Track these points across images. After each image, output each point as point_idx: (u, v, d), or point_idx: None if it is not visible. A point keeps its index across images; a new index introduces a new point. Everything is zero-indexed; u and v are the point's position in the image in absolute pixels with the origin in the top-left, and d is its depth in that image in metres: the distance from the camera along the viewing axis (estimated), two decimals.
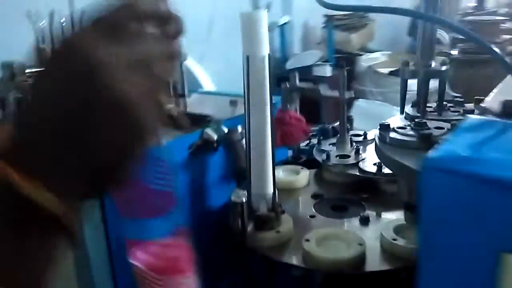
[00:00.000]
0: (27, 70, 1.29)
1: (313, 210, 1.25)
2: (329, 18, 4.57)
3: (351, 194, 1.33)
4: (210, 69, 3.07)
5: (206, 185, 1.36)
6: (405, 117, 1.09)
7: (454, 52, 4.79)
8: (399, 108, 3.86)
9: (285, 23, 4.80)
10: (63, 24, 1.76)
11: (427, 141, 0.88)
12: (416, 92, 1.05)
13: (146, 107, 0.40)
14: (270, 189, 1.08)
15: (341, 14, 4.60)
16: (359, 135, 1.67)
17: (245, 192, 1.11)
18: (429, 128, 0.93)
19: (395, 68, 4.52)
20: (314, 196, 1.33)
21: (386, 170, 1.31)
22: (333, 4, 0.86)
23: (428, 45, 0.94)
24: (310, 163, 1.60)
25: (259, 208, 1.07)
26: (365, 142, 1.63)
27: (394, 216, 1.18)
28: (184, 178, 1.28)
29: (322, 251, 0.94)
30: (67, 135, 0.38)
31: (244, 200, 0.99)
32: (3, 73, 1.27)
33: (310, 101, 1.51)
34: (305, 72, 4.38)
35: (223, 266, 1.25)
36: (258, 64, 0.99)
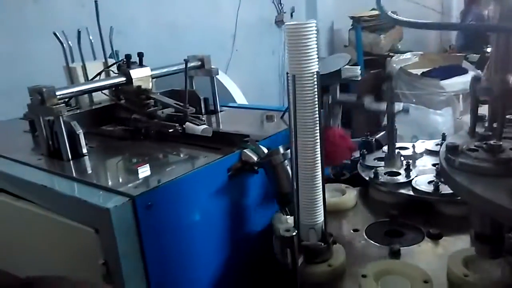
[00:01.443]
0: (57, 93, 1.24)
1: (365, 236, 1.14)
2: (356, 19, 4.44)
3: (404, 216, 1.21)
4: (237, 78, 3.00)
5: (246, 208, 1.28)
6: (469, 134, 0.97)
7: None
8: (435, 111, 3.66)
9: None
10: (92, 42, 1.71)
11: (506, 167, 0.77)
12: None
13: None
14: (321, 218, 0.99)
15: (368, 15, 4.46)
16: (407, 148, 1.55)
17: (291, 222, 1.02)
18: (504, 150, 0.81)
19: (427, 69, 4.37)
20: (365, 220, 1.22)
21: (443, 190, 1.19)
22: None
23: (505, 58, 0.81)
24: (354, 180, 1.48)
25: (308, 238, 0.97)
26: (414, 155, 1.51)
27: (456, 243, 1.07)
28: (225, 201, 1.20)
29: None
30: None
31: (294, 234, 0.89)
32: (34, 97, 1.22)
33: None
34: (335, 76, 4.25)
35: None
36: (306, 83, 0.90)
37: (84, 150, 1.28)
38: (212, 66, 1.71)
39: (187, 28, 3.29)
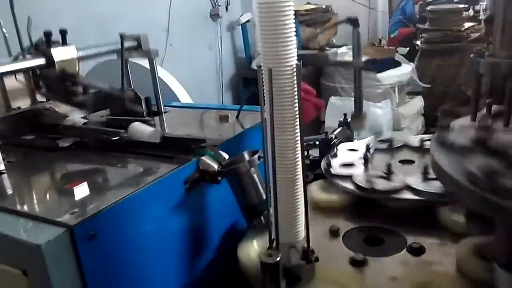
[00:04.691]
0: None
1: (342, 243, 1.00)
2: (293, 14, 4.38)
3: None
4: (172, 74, 2.79)
5: (207, 223, 1.10)
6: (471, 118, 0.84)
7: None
8: (375, 103, 3.65)
9: (246, 21, 4.56)
10: (6, 35, 1.42)
11: None
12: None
13: None
14: (302, 233, 0.84)
15: (305, 10, 4.42)
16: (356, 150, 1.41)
17: (273, 246, 0.87)
18: None
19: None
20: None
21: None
22: None
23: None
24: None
25: (290, 259, 0.83)
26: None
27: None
28: (181, 219, 1.02)
29: None
30: None
31: (278, 259, 0.74)
32: None
33: None
34: None
35: None
36: (285, 76, 0.75)
37: (1, 167, 1.03)
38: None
39: (116, 22, 2.99)
